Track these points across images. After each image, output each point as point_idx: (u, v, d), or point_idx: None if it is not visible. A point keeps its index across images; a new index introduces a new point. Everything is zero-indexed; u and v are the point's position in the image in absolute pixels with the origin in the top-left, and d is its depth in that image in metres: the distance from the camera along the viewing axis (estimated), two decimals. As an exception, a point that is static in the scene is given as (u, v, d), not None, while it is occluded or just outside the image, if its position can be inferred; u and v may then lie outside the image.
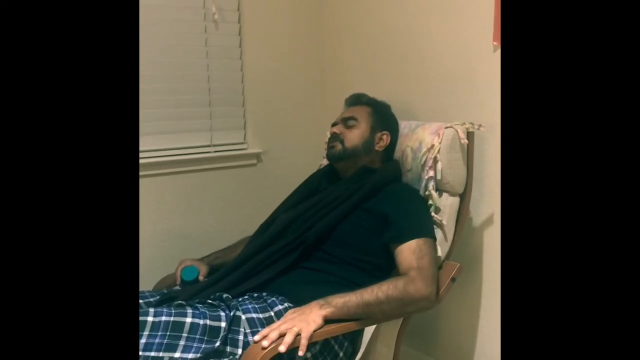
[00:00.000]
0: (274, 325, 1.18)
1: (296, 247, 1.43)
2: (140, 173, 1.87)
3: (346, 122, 1.59)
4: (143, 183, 1.88)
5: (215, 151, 2.02)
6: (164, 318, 1.17)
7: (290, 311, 1.24)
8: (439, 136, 1.47)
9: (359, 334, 1.42)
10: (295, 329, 1.14)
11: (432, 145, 1.48)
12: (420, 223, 1.40)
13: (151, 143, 1.90)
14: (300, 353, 1.14)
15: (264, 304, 1.31)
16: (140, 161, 1.86)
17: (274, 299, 1.33)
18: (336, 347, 1.34)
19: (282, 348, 1.13)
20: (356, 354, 1.44)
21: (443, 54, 1.70)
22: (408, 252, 1.32)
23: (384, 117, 1.63)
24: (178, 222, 1.97)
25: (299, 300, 1.30)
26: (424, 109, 1.77)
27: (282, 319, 1.20)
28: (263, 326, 1.24)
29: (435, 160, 1.47)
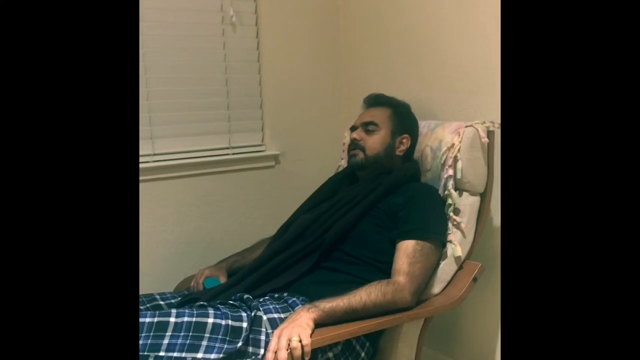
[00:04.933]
0: (273, 345, 1.14)
1: (315, 248, 1.43)
2: (159, 176, 1.88)
3: (366, 126, 1.59)
4: (161, 186, 1.89)
5: (234, 153, 2.03)
6: (186, 319, 1.18)
7: (281, 325, 1.21)
8: (459, 135, 1.47)
9: (380, 334, 1.42)
10: (295, 338, 1.13)
11: (453, 144, 1.47)
12: (427, 223, 1.40)
13: (170, 146, 1.91)
14: (306, 358, 1.13)
15: (285, 304, 1.31)
16: (159, 164, 1.88)
17: (294, 299, 1.33)
18: (358, 347, 1.34)
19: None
20: (377, 355, 1.44)
21: (463, 53, 1.69)
22: (403, 252, 1.35)
23: (404, 119, 1.62)
24: (197, 224, 1.98)
25: (320, 299, 1.30)
26: (443, 108, 1.76)
27: (277, 332, 1.17)
28: None
29: (455, 159, 1.46)
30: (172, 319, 1.17)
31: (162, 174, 1.89)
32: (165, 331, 1.15)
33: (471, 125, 1.48)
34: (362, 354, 1.36)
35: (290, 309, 1.29)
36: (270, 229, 1.70)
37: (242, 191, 2.06)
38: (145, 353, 1.11)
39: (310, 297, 1.32)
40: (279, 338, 1.14)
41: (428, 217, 1.42)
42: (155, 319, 1.15)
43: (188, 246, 1.96)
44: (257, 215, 2.08)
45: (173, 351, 1.13)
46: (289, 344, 1.12)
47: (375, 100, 1.67)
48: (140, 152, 1.84)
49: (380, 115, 1.60)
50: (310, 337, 1.15)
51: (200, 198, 1.98)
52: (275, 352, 1.12)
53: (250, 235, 1.86)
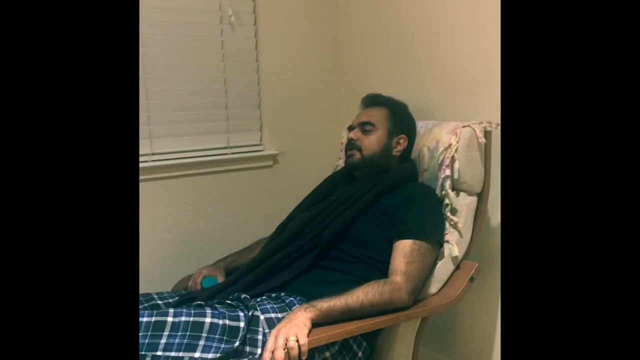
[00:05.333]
0: (270, 345, 1.14)
1: (313, 247, 1.44)
2: (157, 175, 1.89)
3: (363, 126, 1.59)
4: (160, 185, 1.89)
5: (232, 153, 2.03)
6: (183, 318, 1.18)
7: (279, 324, 1.21)
8: (456, 135, 1.47)
9: (377, 334, 1.42)
10: (292, 338, 1.13)
11: (450, 145, 1.47)
12: (425, 223, 1.40)
13: (168, 145, 1.91)
14: (303, 358, 1.14)
15: (282, 304, 1.31)
16: (157, 163, 1.88)
17: (292, 298, 1.33)
18: (355, 347, 1.34)
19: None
20: (374, 354, 1.44)
21: (460, 53, 1.70)
22: (400, 252, 1.35)
23: (401, 120, 1.62)
24: (195, 224, 1.98)
25: (317, 299, 1.30)
26: (440, 108, 1.76)
27: (274, 332, 1.17)
28: None
29: (452, 160, 1.46)
30: (170, 319, 1.17)
31: (160, 174, 1.89)
32: (163, 331, 1.15)
33: (468, 126, 1.48)
34: (359, 354, 1.36)
35: (287, 308, 1.30)
36: (268, 229, 1.70)
37: (240, 191, 2.06)
38: (143, 352, 1.12)
39: (308, 296, 1.32)
40: (276, 338, 1.15)
41: (425, 217, 1.42)
42: (153, 319, 1.15)
43: (186, 246, 1.96)
44: (256, 215, 2.09)
45: (170, 351, 1.13)
46: (286, 344, 1.13)
47: (372, 100, 1.67)
48: (139, 152, 1.84)
49: (377, 115, 1.60)
50: (307, 336, 1.15)
51: (198, 198, 1.98)
52: (273, 352, 1.13)
53: (248, 235, 1.86)
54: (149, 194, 1.86)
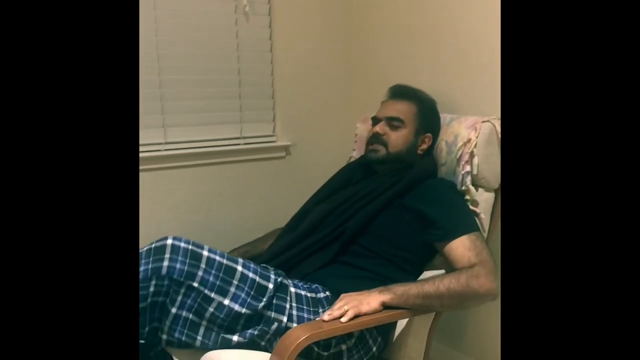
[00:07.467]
0: (335, 306, 1.19)
1: (333, 240, 1.42)
2: (170, 164, 1.88)
3: (391, 121, 1.53)
4: (173, 175, 1.89)
5: (245, 143, 2.02)
6: (217, 258, 1.21)
7: (354, 294, 1.23)
8: (475, 130, 1.45)
9: (391, 328, 1.42)
10: (346, 308, 1.16)
11: (469, 139, 1.45)
12: (465, 219, 1.37)
13: (181, 135, 1.91)
14: (343, 319, 1.15)
15: (309, 286, 1.33)
16: (170, 153, 1.88)
17: (317, 285, 1.34)
18: (370, 342, 1.34)
19: (344, 319, 1.15)
20: (387, 347, 1.44)
21: (479, 47, 1.68)
22: (462, 248, 1.27)
23: (428, 117, 1.56)
24: (207, 214, 1.98)
25: (339, 293, 1.29)
26: (458, 102, 1.74)
27: (345, 296, 1.21)
28: (309, 305, 1.27)
29: (471, 155, 1.45)
30: (205, 253, 1.20)
31: (173, 163, 1.89)
32: (200, 262, 1.18)
33: (488, 121, 1.46)
34: (374, 349, 1.36)
35: (313, 292, 1.31)
36: (280, 220, 1.70)
37: (252, 181, 2.06)
38: (182, 279, 1.14)
39: (329, 288, 1.32)
40: (342, 304, 1.18)
41: (464, 214, 1.39)
42: (190, 247, 1.18)
43: (198, 236, 1.93)
44: (268, 206, 2.08)
45: (205, 287, 1.16)
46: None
47: (402, 93, 1.60)
48: (152, 141, 1.84)
49: (406, 111, 1.54)
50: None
51: (210, 187, 1.98)
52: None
53: (260, 226, 1.86)
54: (161, 183, 1.86)
